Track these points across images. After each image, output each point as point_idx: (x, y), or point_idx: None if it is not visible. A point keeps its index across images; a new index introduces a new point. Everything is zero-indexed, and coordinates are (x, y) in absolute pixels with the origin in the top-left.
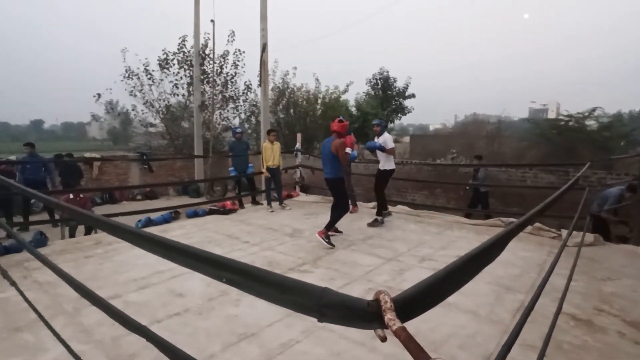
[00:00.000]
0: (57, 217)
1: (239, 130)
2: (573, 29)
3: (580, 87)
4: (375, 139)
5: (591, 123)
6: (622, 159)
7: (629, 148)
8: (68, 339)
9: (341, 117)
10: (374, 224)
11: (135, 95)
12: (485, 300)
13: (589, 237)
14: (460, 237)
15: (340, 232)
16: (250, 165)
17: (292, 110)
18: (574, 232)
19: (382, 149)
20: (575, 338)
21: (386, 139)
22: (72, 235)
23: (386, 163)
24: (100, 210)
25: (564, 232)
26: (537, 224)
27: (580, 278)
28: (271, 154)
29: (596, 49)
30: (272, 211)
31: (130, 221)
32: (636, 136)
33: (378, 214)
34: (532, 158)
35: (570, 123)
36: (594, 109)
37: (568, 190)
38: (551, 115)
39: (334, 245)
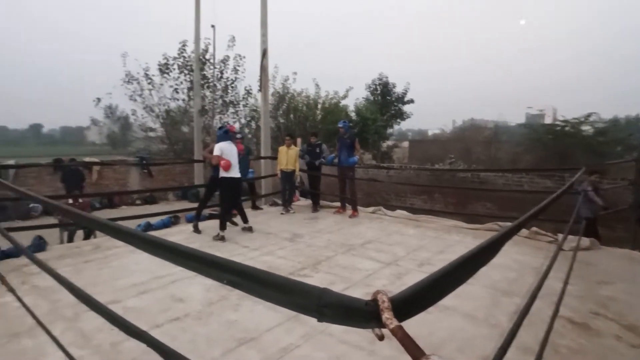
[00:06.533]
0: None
1: (239, 135)
2: (580, 40)
3: (577, 94)
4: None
5: (587, 128)
6: (617, 164)
7: (625, 153)
8: (67, 344)
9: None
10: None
11: (135, 100)
12: (482, 304)
13: (585, 241)
14: (458, 241)
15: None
16: (250, 170)
17: (292, 115)
18: (570, 236)
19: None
20: (571, 341)
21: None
22: (70, 240)
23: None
24: (99, 215)
25: (561, 237)
26: (534, 228)
27: (576, 282)
28: (285, 157)
29: (603, 57)
30: (283, 213)
31: (130, 226)
32: (632, 141)
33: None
34: (528, 163)
35: (566, 128)
36: (589, 115)
37: (563, 195)
38: (547, 120)
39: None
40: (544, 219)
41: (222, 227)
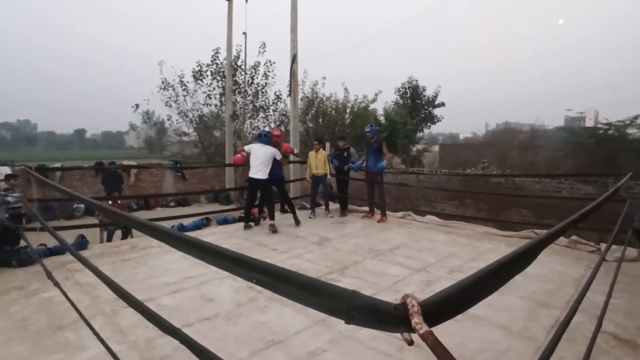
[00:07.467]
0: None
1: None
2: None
3: (621, 95)
4: None
5: (634, 131)
6: None
7: None
8: (105, 339)
9: None
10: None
11: (170, 106)
12: (517, 315)
13: (632, 252)
14: (491, 249)
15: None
16: None
17: (320, 120)
18: (615, 247)
19: None
20: (616, 359)
21: None
22: (109, 239)
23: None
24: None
25: (604, 246)
26: (574, 237)
27: (621, 295)
28: (314, 161)
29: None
30: (311, 217)
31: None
32: None
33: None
34: (568, 168)
35: (610, 131)
36: (636, 117)
37: (607, 201)
38: (589, 123)
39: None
40: (585, 228)
41: (246, 219)
